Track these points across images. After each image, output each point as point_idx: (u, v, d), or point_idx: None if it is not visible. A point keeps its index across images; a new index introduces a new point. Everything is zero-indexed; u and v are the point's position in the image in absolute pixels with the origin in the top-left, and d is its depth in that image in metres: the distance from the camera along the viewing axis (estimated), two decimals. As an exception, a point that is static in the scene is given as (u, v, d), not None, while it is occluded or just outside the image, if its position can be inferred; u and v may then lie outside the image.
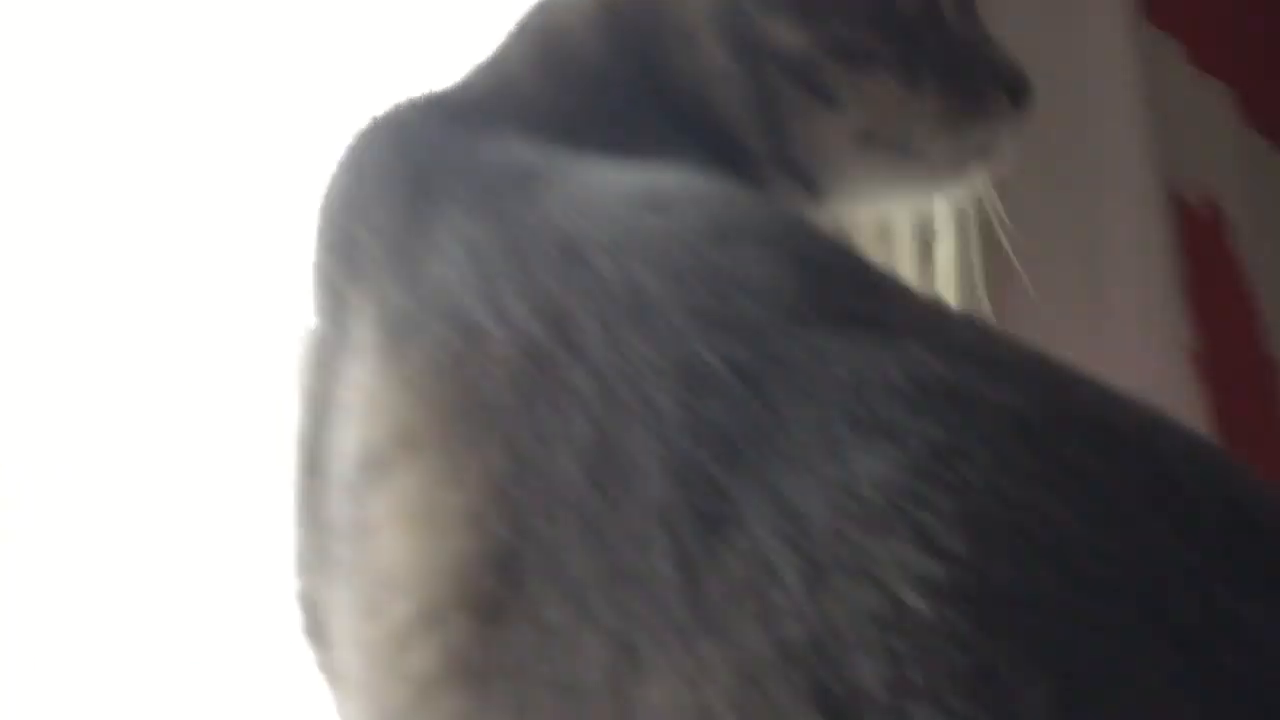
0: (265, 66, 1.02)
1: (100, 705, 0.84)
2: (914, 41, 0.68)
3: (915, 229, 1.15)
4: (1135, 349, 1.36)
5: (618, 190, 0.50)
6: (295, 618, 0.56)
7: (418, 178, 0.55)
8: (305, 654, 0.56)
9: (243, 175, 0.99)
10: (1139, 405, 0.39)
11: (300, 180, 0.98)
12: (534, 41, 0.70)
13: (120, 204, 0.95)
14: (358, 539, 0.46)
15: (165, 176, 0.97)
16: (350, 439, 0.48)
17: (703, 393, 0.38)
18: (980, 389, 0.36)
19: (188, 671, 0.91)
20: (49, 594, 0.87)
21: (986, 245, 1.08)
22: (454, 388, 0.44)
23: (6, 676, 0.84)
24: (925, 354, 0.38)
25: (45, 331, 0.91)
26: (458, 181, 0.53)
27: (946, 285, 1.16)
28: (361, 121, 0.63)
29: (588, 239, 0.46)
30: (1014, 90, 0.70)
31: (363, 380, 0.49)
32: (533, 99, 0.65)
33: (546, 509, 0.39)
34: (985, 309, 1.13)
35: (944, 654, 0.30)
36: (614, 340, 0.41)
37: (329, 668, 0.53)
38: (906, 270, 1.18)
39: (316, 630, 0.53)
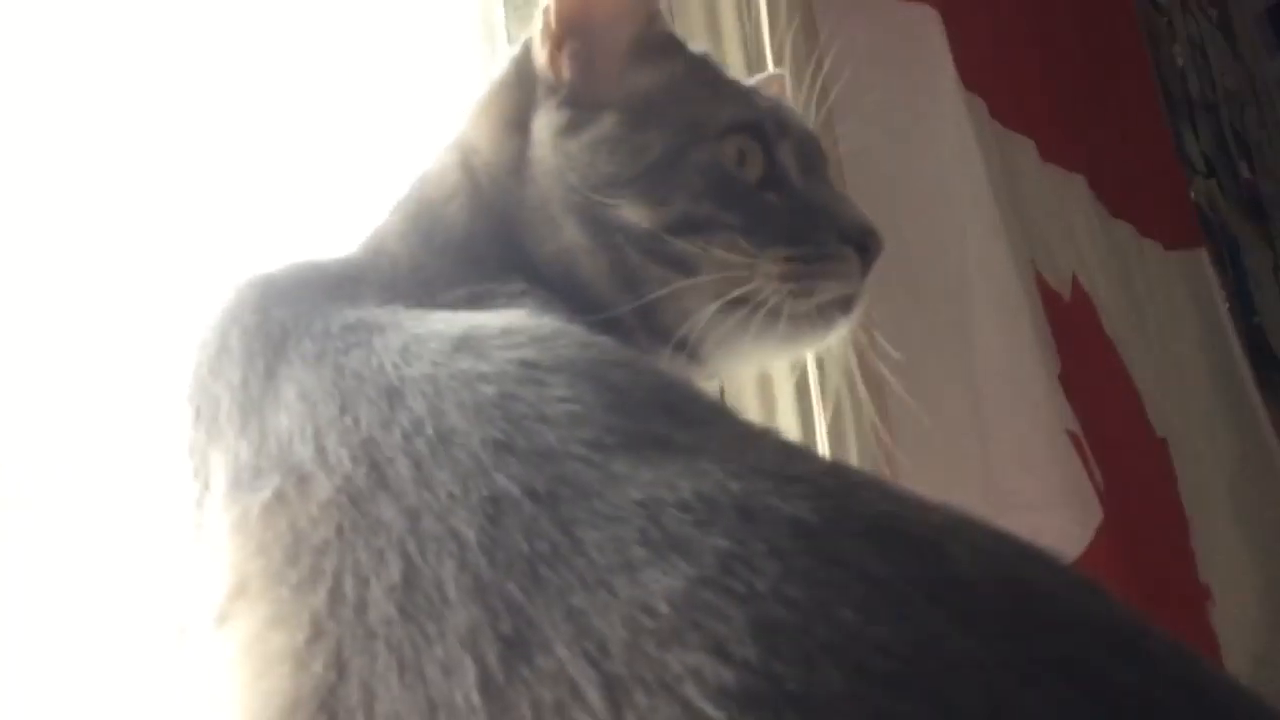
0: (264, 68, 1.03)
1: (99, 706, 0.81)
2: (758, 206, 0.72)
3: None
4: (1018, 435, 1.38)
5: (442, 335, 0.53)
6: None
7: (277, 339, 0.57)
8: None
9: (242, 175, 0.99)
10: (934, 507, 0.41)
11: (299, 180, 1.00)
12: (406, 213, 0.74)
13: (121, 203, 0.94)
14: (207, 686, 0.48)
15: (166, 175, 0.96)
16: (201, 593, 0.50)
17: (501, 520, 0.41)
18: (768, 501, 0.39)
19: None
20: (48, 594, 0.84)
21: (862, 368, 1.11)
22: (284, 533, 0.46)
23: (6, 677, 0.81)
24: (718, 472, 0.40)
25: (46, 331, 0.89)
26: (308, 340, 0.56)
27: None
28: (233, 279, 0.64)
29: (406, 382, 0.49)
30: (862, 245, 0.73)
31: (212, 534, 0.51)
32: (397, 266, 0.68)
33: (364, 645, 0.40)
34: (869, 415, 1.16)
35: None
36: (423, 477, 0.44)
37: None
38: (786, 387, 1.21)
39: None
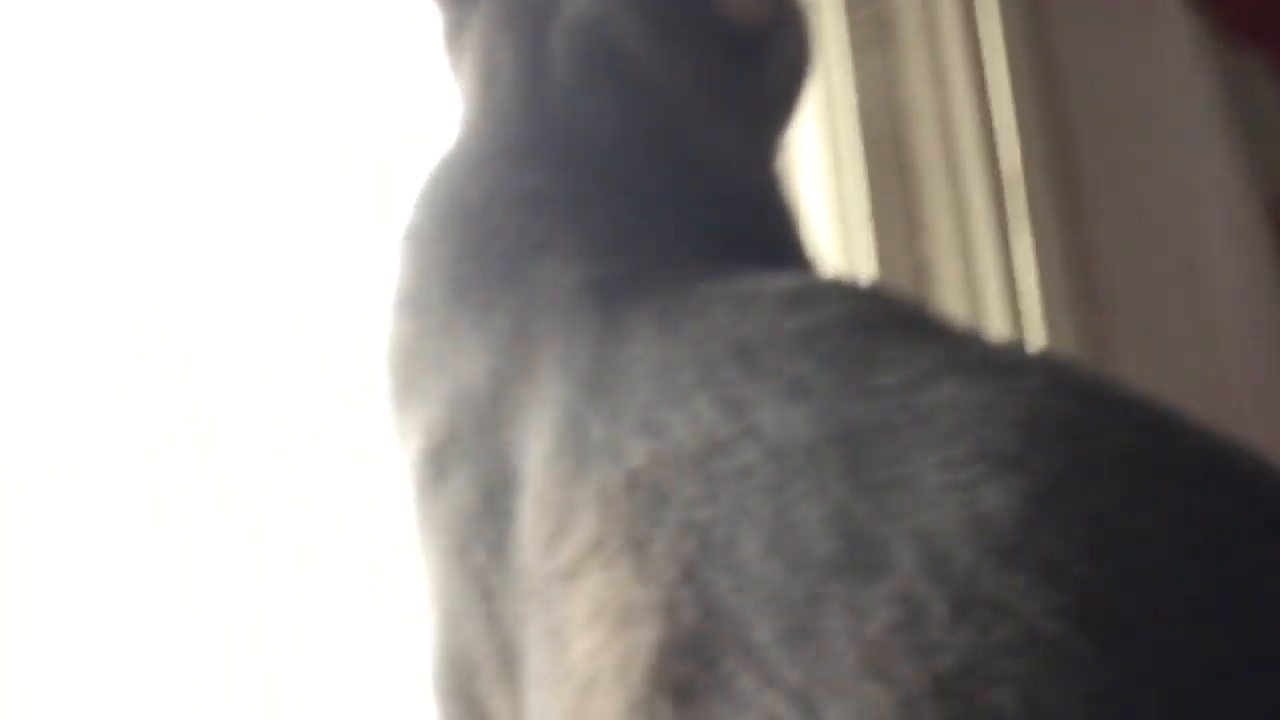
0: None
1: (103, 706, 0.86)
2: None
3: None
4: (1251, 372, 1.33)
5: (773, 294, 0.57)
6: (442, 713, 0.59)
7: (601, 304, 0.61)
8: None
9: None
10: (1240, 447, 0.42)
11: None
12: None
13: (125, 201, 0.98)
14: (552, 648, 0.49)
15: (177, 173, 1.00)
16: (534, 552, 0.53)
17: (855, 454, 0.43)
18: (1095, 424, 0.41)
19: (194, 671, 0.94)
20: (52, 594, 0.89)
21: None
22: (648, 493, 0.48)
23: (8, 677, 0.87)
24: (1041, 392, 0.43)
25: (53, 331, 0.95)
26: (649, 305, 0.59)
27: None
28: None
29: (756, 339, 0.53)
30: None
31: (548, 495, 0.54)
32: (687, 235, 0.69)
33: (735, 586, 0.42)
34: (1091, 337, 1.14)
35: (1072, 679, 0.32)
36: (783, 420, 0.47)
37: None
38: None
39: None
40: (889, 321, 0.53)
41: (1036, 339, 1.14)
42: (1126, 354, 1.18)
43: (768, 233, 0.73)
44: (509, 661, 0.54)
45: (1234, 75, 1.56)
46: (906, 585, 0.37)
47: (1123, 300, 1.23)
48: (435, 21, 0.79)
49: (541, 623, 0.51)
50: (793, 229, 0.74)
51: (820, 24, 1.18)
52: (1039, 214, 1.17)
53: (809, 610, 0.39)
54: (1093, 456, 0.39)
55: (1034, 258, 1.16)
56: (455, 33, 0.77)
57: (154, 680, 0.94)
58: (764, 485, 0.44)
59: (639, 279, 0.62)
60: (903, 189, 1.18)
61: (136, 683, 0.93)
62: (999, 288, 1.16)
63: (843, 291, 0.59)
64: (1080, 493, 0.37)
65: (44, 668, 0.90)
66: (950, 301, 1.16)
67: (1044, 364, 0.49)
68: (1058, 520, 0.36)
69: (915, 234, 1.17)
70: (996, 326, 1.15)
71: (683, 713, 0.41)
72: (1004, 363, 0.48)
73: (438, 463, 0.62)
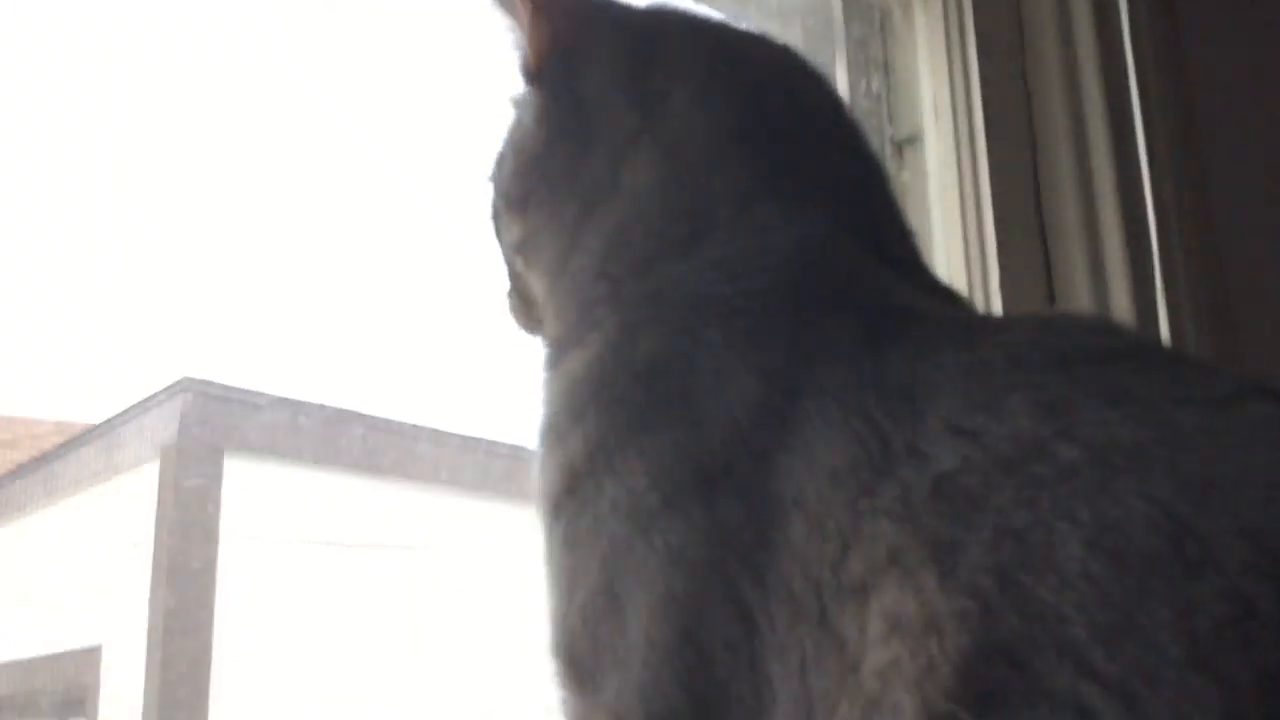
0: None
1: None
2: None
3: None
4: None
5: (1067, 318, 0.63)
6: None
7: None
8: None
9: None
10: None
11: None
12: None
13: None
14: (830, 671, 0.49)
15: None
16: (809, 577, 0.52)
17: (1178, 455, 0.45)
18: None
19: None
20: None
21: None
22: (954, 499, 0.48)
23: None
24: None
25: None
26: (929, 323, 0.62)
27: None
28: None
29: (1064, 350, 0.55)
30: None
31: (833, 514, 0.53)
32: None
33: (1053, 587, 0.43)
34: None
35: None
36: (1103, 421, 0.48)
37: None
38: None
39: None
40: (1168, 351, 0.56)
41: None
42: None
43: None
44: (764, 699, 0.53)
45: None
46: (1235, 582, 0.39)
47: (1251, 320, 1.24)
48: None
49: (813, 648, 0.50)
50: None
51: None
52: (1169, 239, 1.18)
53: (1131, 606, 0.41)
54: None
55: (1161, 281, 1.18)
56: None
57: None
58: (1085, 486, 0.45)
59: (903, 299, 0.64)
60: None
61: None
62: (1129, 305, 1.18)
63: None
64: None
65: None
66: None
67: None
68: None
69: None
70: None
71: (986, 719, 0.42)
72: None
73: (688, 491, 0.59)
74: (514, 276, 0.85)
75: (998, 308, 1.14)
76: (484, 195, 0.88)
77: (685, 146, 0.72)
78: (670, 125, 0.73)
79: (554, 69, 0.77)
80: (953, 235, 1.20)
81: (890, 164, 1.24)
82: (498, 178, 0.84)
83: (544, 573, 0.66)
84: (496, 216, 0.85)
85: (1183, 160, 1.22)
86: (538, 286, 0.80)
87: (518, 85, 0.82)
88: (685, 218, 0.70)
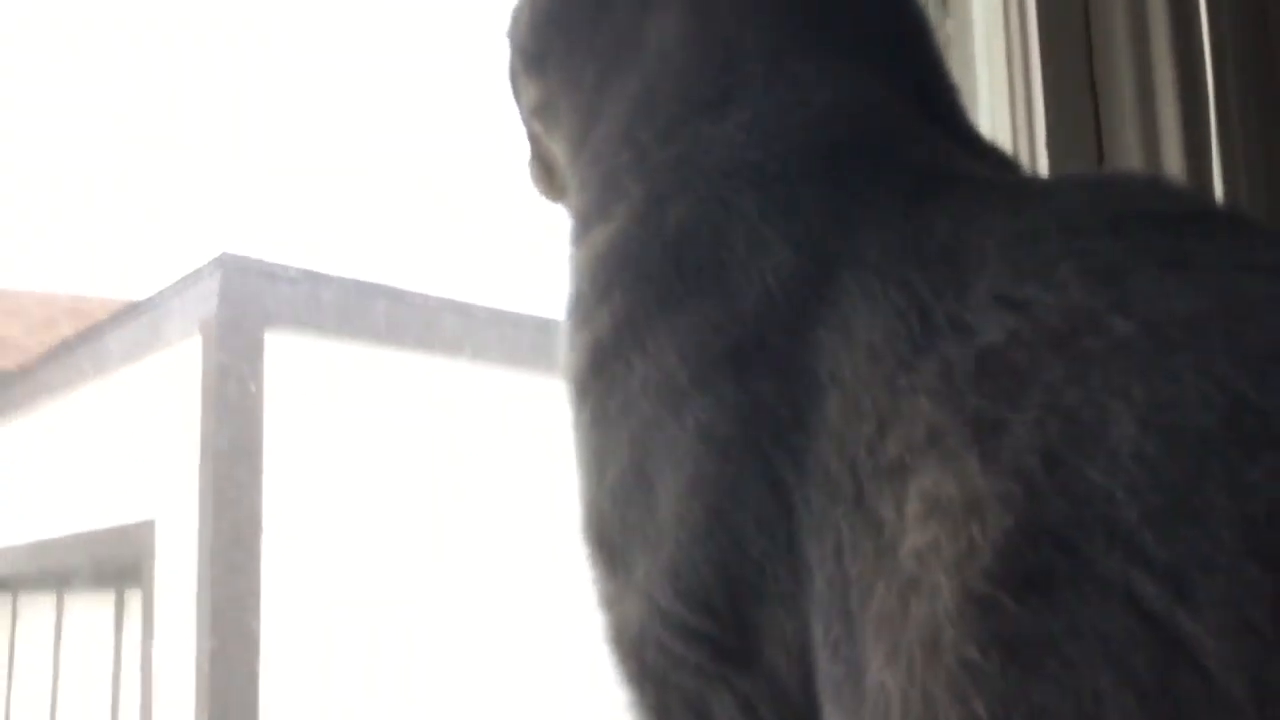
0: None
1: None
2: None
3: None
4: None
5: (1120, 179, 0.62)
6: (712, 639, 0.56)
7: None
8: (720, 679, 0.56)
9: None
10: None
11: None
12: None
13: None
14: (867, 555, 0.47)
15: None
16: (846, 458, 0.50)
17: (1238, 326, 0.43)
18: None
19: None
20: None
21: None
22: (1000, 376, 0.46)
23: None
24: None
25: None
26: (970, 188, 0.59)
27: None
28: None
29: (1118, 213, 0.52)
30: None
31: (870, 392, 0.50)
32: None
33: (1103, 468, 0.40)
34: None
35: None
36: (1160, 291, 0.45)
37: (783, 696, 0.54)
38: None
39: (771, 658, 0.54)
40: (1230, 213, 0.53)
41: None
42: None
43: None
44: (800, 581, 0.52)
45: None
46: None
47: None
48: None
49: (849, 531, 0.49)
50: None
51: None
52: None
53: (1185, 487, 0.39)
54: None
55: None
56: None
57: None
58: (1140, 361, 0.43)
59: (949, 161, 0.61)
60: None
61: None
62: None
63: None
64: None
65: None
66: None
67: None
68: None
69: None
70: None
71: (1027, 603, 0.40)
72: None
73: (720, 367, 0.57)
74: (533, 141, 0.81)
75: (1044, 166, 1.09)
76: (502, 53, 0.84)
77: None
78: None
79: None
80: (998, 89, 1.15)
81: (934, 13, 1.17)
82: (514, 33, 0.80)
83: (573, 454, 0.64)
84: (514, 77, 0.81)
85: (1242, 4, 1.15)
86: (559, 154, 0.77)
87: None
88: (715, 76, 0.66)
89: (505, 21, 0.82)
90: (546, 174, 0.81)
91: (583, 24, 0.73)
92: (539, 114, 0.78)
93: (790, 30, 0.67)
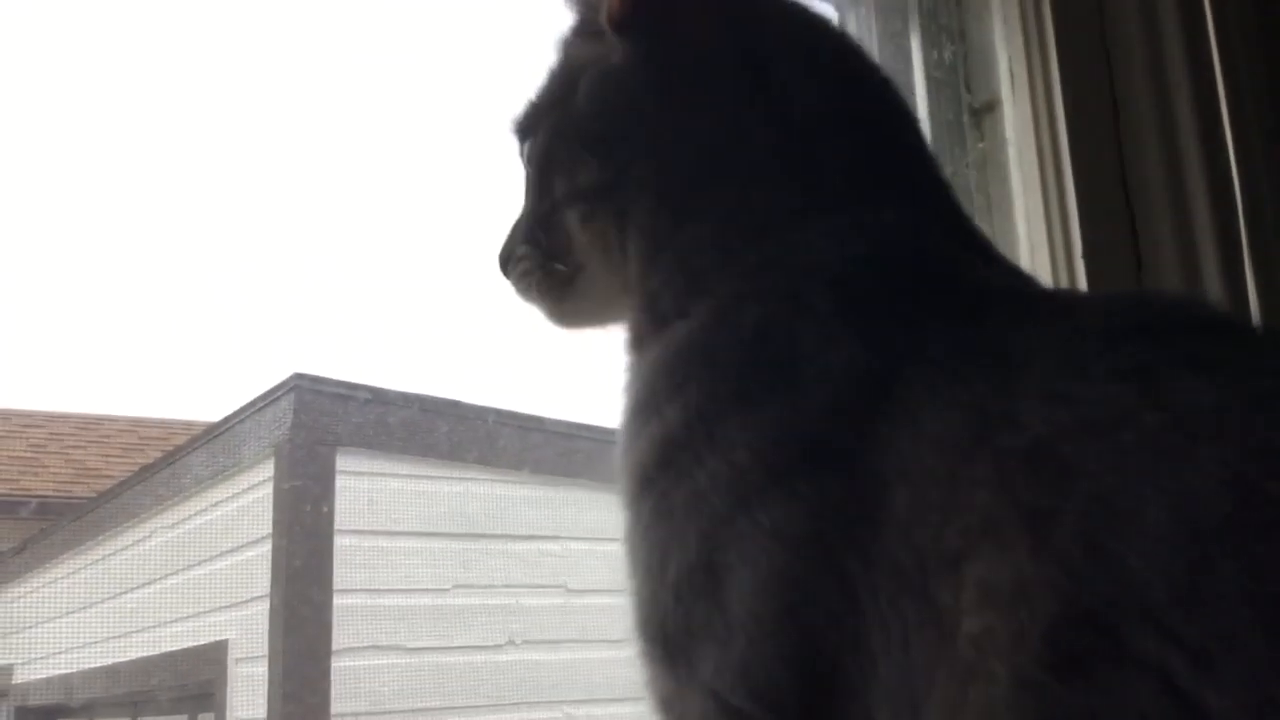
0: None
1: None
2: None
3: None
4: None
5: (1149, 295, 0.66)
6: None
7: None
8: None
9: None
10: None
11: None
12: None
13: None
14: (929, 642, 0.50)
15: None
16: (911, 549, 0.52)
17: (1251, 415, 0.46)
18: None
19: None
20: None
21: None
22: (1045, 463, 0.49)
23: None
24: None
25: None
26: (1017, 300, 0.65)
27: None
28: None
29: (1150, 321, 0.56)
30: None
31: (935, 485, 0.53)
32: None
33: (1139, 552, 0.43)
34: None
35: None
36: (1190, 388, 0.49)
37: None
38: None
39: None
40: (1255, 326, 0.57)
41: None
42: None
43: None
44: (865, 673, 0.53)
45: None
46: None
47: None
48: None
49: (915, 619, 0.50)
50: None
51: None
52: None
53: (1206, 568, 0.41)
54: None
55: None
56: None
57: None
58: (1168, 451, 0.46)
59: (995, 277, 0.66)
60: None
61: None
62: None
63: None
64: None
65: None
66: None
67: None
68: None
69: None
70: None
71: (1072, 686, 0.42)
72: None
73: (793, 465, 0.58)
74: (550, 231, 0.81)
75: (1081, 277, 1.11)
76: (509, 146, 0.86)
77: (801, 119, 0.72)
78: (786, 95, 0.73)
79: (648, 20, 0.76)
80: (1034, 204, 1.17)
81: (969, 134, 1.21)
82: (572, 121, 0.79)
83: (628, 550, 0.65)
84: (548, 160, 0.81)
85: (1273, 124, 1.18)
86: (610, 245, 0.77)
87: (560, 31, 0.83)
88: (801, 190, 0.70)
89: (516, 114, 0.85)
90: (557, 284, 0.82)
91: (668, 122, 0.75)
92: (588, 197, 0.77)
93: (861, 156, 0.72)
